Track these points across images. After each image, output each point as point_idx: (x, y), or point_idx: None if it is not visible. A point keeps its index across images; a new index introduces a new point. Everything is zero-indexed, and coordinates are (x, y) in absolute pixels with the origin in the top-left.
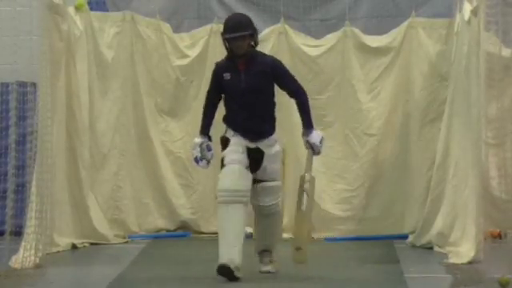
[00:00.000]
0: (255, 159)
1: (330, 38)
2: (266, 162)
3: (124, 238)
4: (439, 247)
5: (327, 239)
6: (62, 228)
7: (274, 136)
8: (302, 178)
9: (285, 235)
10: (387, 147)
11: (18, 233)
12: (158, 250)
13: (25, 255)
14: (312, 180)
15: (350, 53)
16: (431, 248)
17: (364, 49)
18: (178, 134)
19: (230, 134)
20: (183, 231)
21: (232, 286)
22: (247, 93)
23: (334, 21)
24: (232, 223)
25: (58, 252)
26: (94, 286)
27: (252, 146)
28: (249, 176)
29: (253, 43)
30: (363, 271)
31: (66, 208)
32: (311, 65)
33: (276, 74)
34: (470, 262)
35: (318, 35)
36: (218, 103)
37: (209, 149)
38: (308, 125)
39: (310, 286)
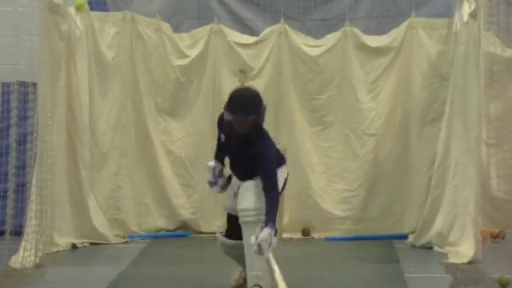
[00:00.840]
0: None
1: (330, 38)
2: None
3: (124, 237)
4: (439, 247)
5: (327, 239)
6: (62, 228)
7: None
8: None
9: (285, 235)
10: (387, 147)
11: (18, 233)
12: (157, 250)
13: (25, 255)
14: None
15: (350, 53)
16: (431, 248)
17: (364, 49)
18: (178, 134)
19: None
20: (183, 231)
21: (232, 285)
22: (238, 152)
23: (334, 21)
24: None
25: (58, 252)
26: (94, 286)
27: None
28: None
29: (258, 123)
30: (363, 271)
31: (66, 208)
32: (311, 65)
33: (263, 161)
34: (469, 262)
35: (318, 35)
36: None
37: (220, 175)
38: (267, 221)
39: (310, 285)
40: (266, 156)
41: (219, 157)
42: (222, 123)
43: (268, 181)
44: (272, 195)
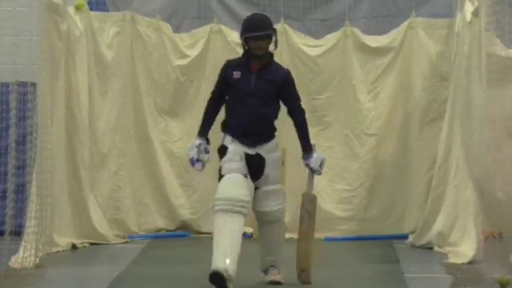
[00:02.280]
0: (256, 166)
1: (330, 38)
2: (267, 170)
3: (124, 237)
4: (439, 247)
5: (327, 239)
6: (62, 228)
7: (275, 141)
8: (304, 197)
9: (287, 235)
10: (387, 147)
11: (18, 233)
12: (157, 250)
13: (25, 255)
14: (313, 199)
15: (350, 53)
16: (431, 248)
17: (364, 49)
18: (178, 133)
19: (227, 141)
20: (183, 231)
21: (232, 285)
22: (253, 96)
23: (333, 21)
24: (229, 233)
25: (58, 252)
26: (94, 286)
27: (251, 152)
28: (250, 185)
29: (274, 44)
30: (363, 271)
31: (66, 208)
32: (311, 65)
33: (283, 87)
34: (469, 262)
35: (318, 35)
36: (221, 105)
37: (206, 151)
38: (307, 149)
39: (310, 285)
40: (290, 81)
41: (204, 132)
42: (227, 72)
43: (298, 105)
44: (301, 118)
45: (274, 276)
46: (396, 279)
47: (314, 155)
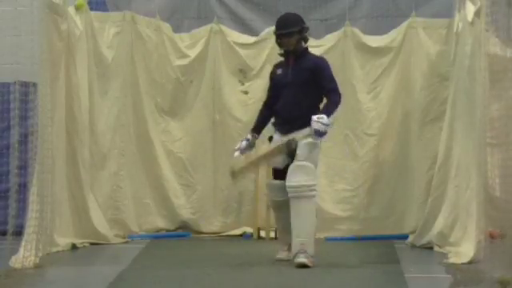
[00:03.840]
0: (292, 151)
1: (330, 38)
2: (298, 150)
3: (124, 237)
4: (439, 247)
5: (327, 239)
6: (62, 228)
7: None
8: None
9: None
10: (387, 147)
11: (18, 233)
12: (158, 250)
13: (25, 255)
14: (293, 142)
15: (350, 53)
16: (431, 248)
17: (364, 49)
18: (178, 133)
19: (275, 131)
20: (183, 231)
21: (232, 286)
22: (290, 86)
23: (334, 21)
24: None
25: (58, 252)
26: (94, 286)
27: (286, 139)
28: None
29: (303, 40)
30: (363, 271)
31: (66, 208)
32: None
33: (316, 73)
34: (470, 262)
35: (317, 35)
36: (273, 106)
37: (251, 146)
38: (323, 111)
39: (310, 285)
40: (323, 64)
41: (254, 129)
42: (272, 72)
43: (331, 86)
44: (333, 98)
45: (301, 259)
46: (396, 279)
47: (324, 117)
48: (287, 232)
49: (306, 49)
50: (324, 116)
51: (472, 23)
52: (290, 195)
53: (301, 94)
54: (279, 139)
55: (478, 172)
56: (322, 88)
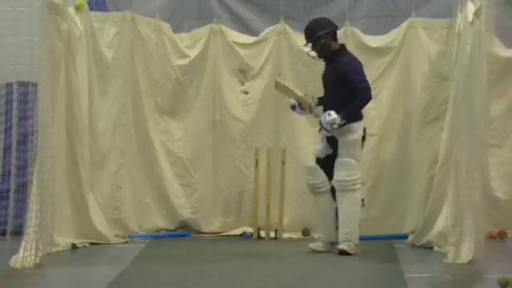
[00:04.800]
0: (334, 144)
1: None
2: (340, 148)
3: (124, 237)
4: (439, 247)
5: None
6: (62, 228)
7: (349, 126)
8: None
9: (284, 235)
10: (387, 147)
11: (18, 232)
12: (158, 250)
13: (25, 255)
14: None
15: None
16: (431, 248)
17: (364, 49)
18: (178, 133)
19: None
20: (183, 231)
21: (232, 286)
22: (327, 85)
23: (334, 21)
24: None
25: (58, 252)
26: (94, 286)
27: (329, 134)
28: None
29: (326, 45)
30: (363, 271)
31: (66, 208)
32: (311, 65)
33: (345, 74)
34: (469, 262)
35: None
36: None
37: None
38: (343, 110)
39: (310, 285)
40: (349, 64)
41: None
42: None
43: (356, 83)
44: (359, 95)
45: (343, 245)
46: (396, 279)
47: (332, 115)
48: (325, 224)
49: (339, 50)
50: (332, 112)
51: (472, 23)
52: (336, 189)
53: (335, 93)
54: (323, 132)
55: (478, 172)
56: (350, 88)
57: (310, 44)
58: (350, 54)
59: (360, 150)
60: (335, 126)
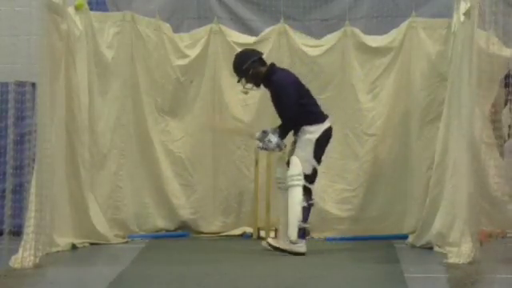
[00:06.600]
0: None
1: (330, 38)
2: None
3: (124, 238)
4: (439, 247)
5: (328, 239)
6: (62, 228)
7: (305, 128)
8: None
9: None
10: (387, 147)
11: (17, 233)
12: (157, 250)
13: (24, 255)
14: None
15: (349, 53)
16: (431, 248)
17: (364, 49)
18: (178, 133)
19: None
20: (183, 231)
21: (232, 286)
22: (275, 107)
23: (334, 21)
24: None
25: (58, 252)
26: (94, 286)
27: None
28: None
29: (254, 75)
30: (363, 271)
31: (66, 208)
32: (311, 65)
33: (277, 94)
34: (469, 262)
35: (318, 35)
36: None
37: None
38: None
39: (310, 285)
40: (276, 84)
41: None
42: None
43: (281, 110)
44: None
45: (270, 240)
46: (396, 279)
47: (273, 138)
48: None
49: (269, 70)
50: (271, 138)
51: (463, 23)
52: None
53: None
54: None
55: (470, 171)
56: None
57: (243, 79)
58: (278, 72)
59: (311, 151)
60: (282, 146)
